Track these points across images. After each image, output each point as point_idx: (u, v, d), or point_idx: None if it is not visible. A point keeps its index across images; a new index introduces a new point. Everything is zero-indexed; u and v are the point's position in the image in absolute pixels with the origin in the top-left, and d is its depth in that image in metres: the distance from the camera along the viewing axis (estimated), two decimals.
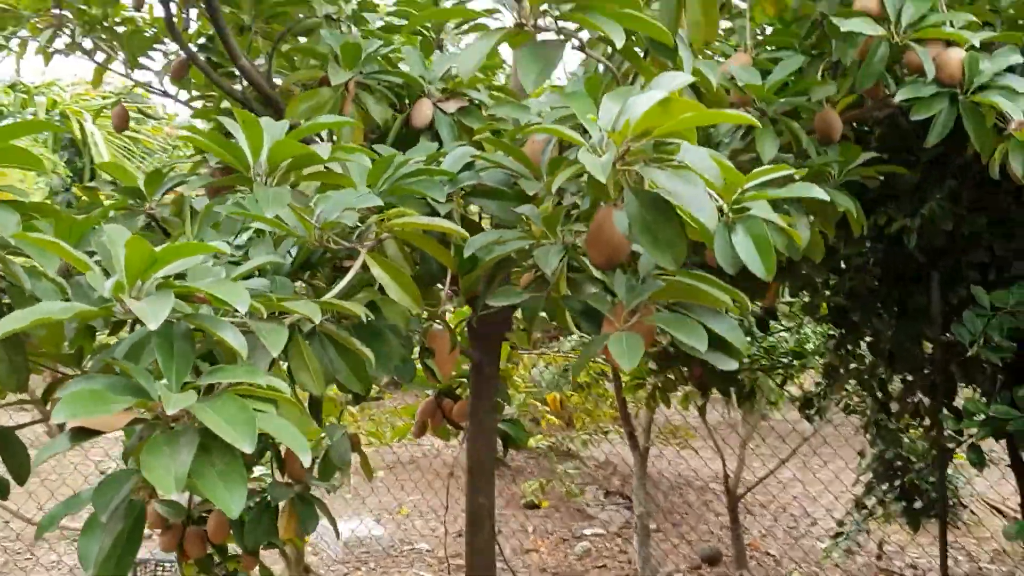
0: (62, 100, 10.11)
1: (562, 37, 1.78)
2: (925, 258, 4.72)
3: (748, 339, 5.76)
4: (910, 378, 4.94)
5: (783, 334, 6.29)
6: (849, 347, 5.41)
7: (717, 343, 1.80)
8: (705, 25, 2.03)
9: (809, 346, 6.24)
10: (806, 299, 5.63)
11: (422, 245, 2.20)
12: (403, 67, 3.17)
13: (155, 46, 4.30)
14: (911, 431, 5.48)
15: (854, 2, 2.81)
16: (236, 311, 1.48)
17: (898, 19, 2.74)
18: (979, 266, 4.59)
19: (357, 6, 3.32)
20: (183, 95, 4.33)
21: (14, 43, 4.68)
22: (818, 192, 1.75)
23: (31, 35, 4.56)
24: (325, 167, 2.11)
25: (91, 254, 1.96)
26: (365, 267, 2.07)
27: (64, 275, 1.98)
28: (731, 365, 1.79)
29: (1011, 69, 2.75)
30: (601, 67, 2.52)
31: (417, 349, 2.82)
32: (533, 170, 2.26)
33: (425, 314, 2.60)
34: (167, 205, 2.92)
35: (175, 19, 3.68)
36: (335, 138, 3.16)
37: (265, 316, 1.74)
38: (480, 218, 2.73)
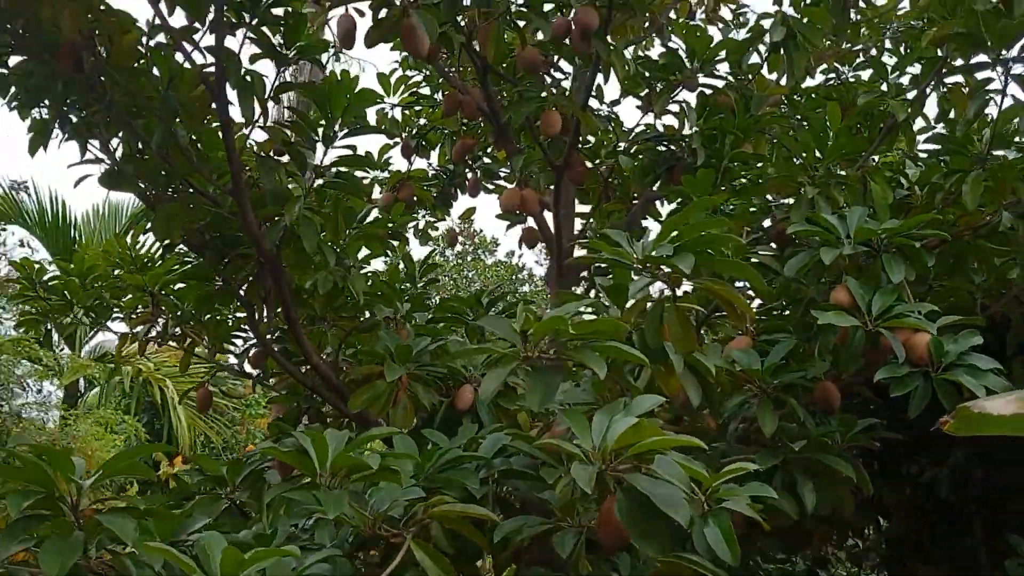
0: (146, 368, 10.98)
1: (560, 365, 2.25)
2: (965, 506, 4.87)
3: None
4: None
5: None
6: None
7: None
8: (684, 338, 2.48)
9: None
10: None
11: (460, 528, 2.57)
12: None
13: (235, 334, 4.92)
14: None
15: (830, 295, 3.28)
16: None
17: (868, 310, 3.19)
18: (1019, 515, 4.73)
19: (409, 308, 3.91)
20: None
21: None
22: (768, 491, 2.11)
23: (129, 327, 5.26)
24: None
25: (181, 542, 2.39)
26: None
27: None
28: None
29: (975, 347, 3.13)
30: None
31: None
32: (553, 458, 2.66)
33: None
34: (246, 490, 3.37)
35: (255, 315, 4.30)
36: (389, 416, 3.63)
37: None
38: (512, 496, 3.10)
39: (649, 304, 2.53)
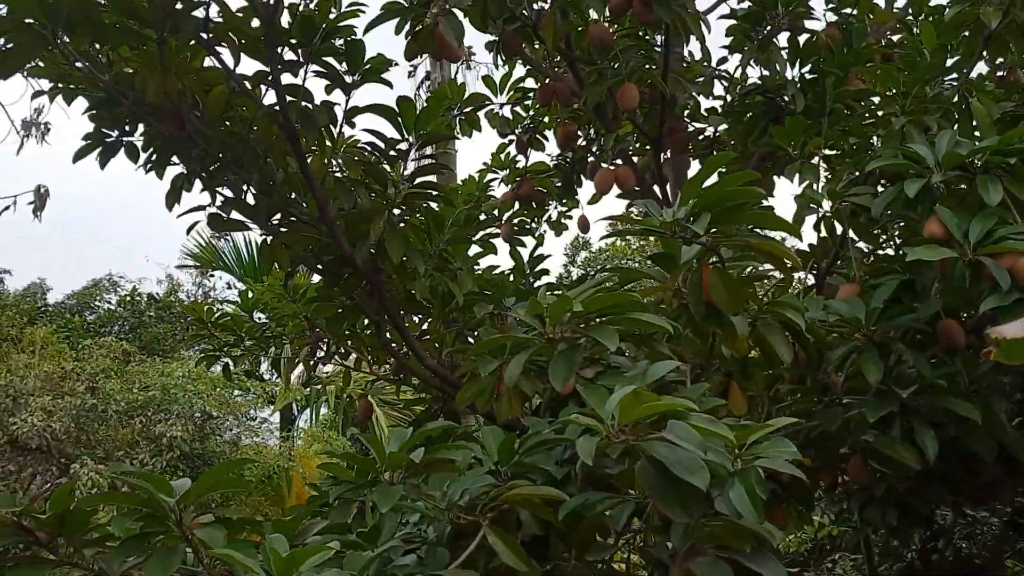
0: (347, 385, 11.77)
1: (581, 342, 2.27)
2: None
3: None
4: None
5: None
6: None
7: None
8: (729, 299, 2.42)
9: None
10: None
11: (533, 509, 2.64)
12: None
13: None
14: None
15: (923, 229, 3.06)
16: None
17: (966, 239, 2.94)
18: None
19: (514, 303, 4.01)
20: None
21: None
22: (788, 446, 2.02)
23: (295, 354, 5.72)
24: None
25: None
26: None
27: None
28: None
29: None
30: None
31: None
32: None
33: None
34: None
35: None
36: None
37: None
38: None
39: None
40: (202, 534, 2.39)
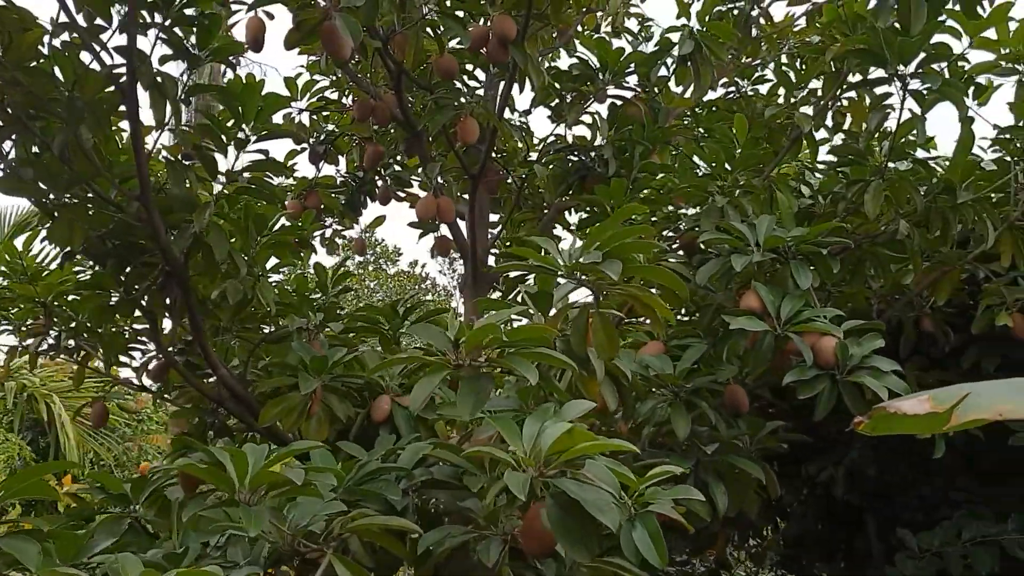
0: (31, 383, 10.45)
1: (491, 372, 2.24)
2: (860, 504, 5.08)
3: None
4: None
5: None
6: None
7: None
8: (607, 345, 2.51)
9: None
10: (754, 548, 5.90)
11: (380, 541, 2.52)
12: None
13: (132, 347, 4.69)
14: None
15: (740, 300, 3.38)
16: None
17: (777, 315, 3.29)
18: (909, 509, 4.96)
19: (322, 318, 3.84)
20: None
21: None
22: (695, 494, 2.15)
23: (19, 339, 4.96)
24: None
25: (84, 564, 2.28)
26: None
27: None
28: None
29: (877, 351, 3.28)
30: None
31: None
32: (476, 466, 2.64)
33: None
34: (151, 509, 3.23)
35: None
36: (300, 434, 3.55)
37: None
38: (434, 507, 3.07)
39: (573, 311, 2.55)
40: (8, 547, 2.02)
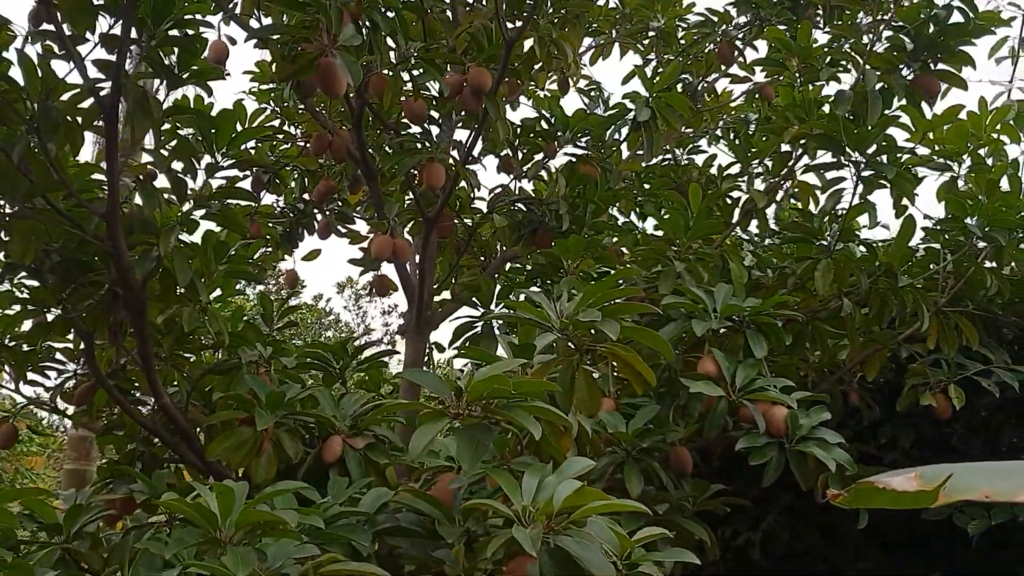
0: None
1: (486, 423, 2.24)
2: (773, 567, 5.22)
3: None
4: None
5: None
6: None
7: None
8: (590, 402, 2.55)
9: None
10: None
11: None
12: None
13: (47, 363, 4.44)
14: None
15: (698, 365, 3.48)
16: None
17: (732, 381, 3.41)
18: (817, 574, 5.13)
19: (271, 352, 3.75)
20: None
21: None
22: (691, 557, 2.20)
23: None
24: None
25: None
26: None
27: None
28: None
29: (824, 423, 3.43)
30: None
31: None
32: (446, 513, 2.62)
33: None
34: (86, 540, 3.07)
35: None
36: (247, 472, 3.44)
37: None
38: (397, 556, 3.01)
39: (559, 366, 2.59)
40: None
